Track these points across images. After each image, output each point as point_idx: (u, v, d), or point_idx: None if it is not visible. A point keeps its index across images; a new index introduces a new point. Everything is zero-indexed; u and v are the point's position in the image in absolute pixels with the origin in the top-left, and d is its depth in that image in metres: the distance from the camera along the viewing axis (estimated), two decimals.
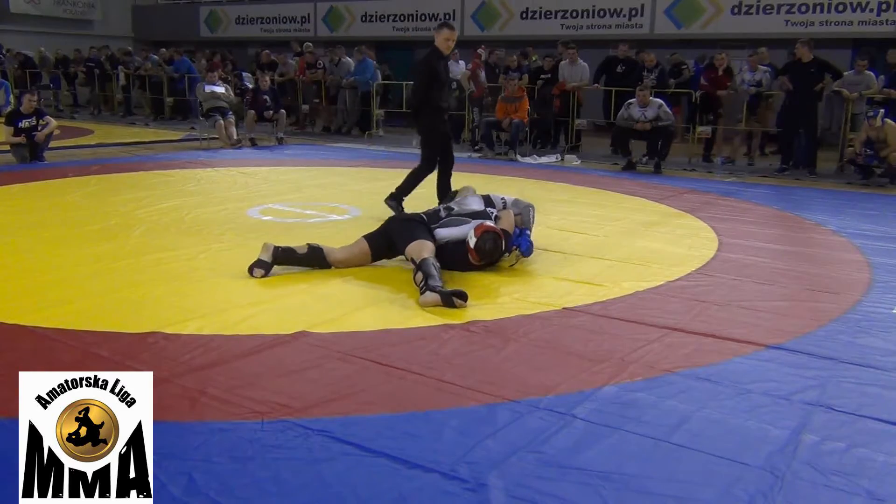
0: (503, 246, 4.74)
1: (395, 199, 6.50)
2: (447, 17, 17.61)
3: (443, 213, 4.98)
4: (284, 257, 4.65)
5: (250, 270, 4.54)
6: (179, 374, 3.09)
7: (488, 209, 5.05)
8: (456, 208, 5.02)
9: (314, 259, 4.71)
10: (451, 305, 4.04)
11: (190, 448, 2.51)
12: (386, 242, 4.78)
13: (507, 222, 4.92)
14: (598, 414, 2.84)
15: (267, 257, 4.59)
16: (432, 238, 4.69)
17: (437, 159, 6.59)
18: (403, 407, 2.87)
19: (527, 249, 4.91)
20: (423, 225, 4.81)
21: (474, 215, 4.92)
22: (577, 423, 2.77)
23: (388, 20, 18.55)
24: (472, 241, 4.62)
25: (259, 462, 2.43)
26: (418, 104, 6.58)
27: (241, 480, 2.33)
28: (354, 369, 3.20)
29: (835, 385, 3.18)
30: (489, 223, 4.77)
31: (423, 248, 4.49)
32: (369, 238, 4.83)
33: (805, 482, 2.41)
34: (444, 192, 6.51)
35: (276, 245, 4.66)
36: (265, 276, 4.54)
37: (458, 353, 3.43)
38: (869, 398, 3.06)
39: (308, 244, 4.75)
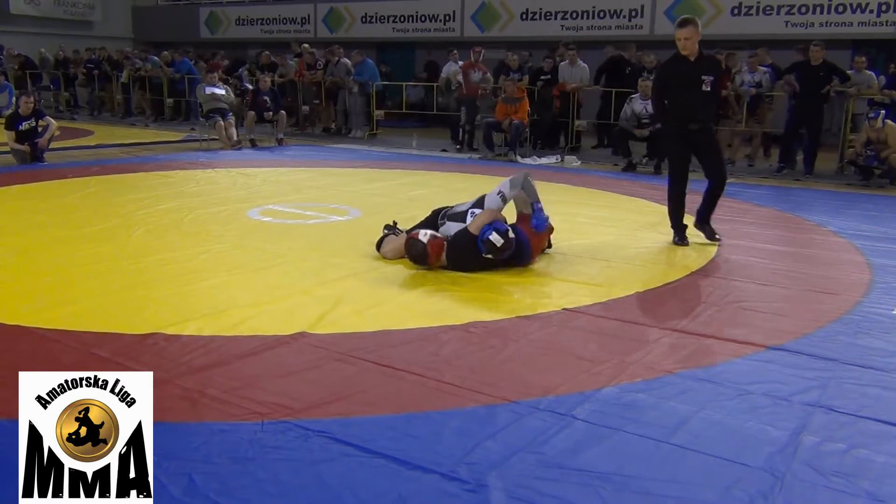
0: (426, 251, 4.72)
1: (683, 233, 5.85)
2: (447, 17, 17.63)
3: (440, 214, 5.15)
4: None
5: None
6: (179, 374, 3.09)
7: (473, 210, 4.98)
8: (452, 208, 5.14)
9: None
10: None
11: (190, 449, 2.51)
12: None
13: (476, 223, 4.79)
14: (598, 415, 2.84)
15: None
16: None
17: (675, 175, 5.89)
18: (403, 408, 2.87)
19: (539, 224, 4.98)
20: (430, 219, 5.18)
21: (454, 216, 5.04)
22: (578, 424, 2.77)
23: (388, 21, 18.55)
24: None
25: (259, 463, 2.43)
26: (657, 114, 6.30)
27: (240, 481, 2.33)
28: (354, 370, 3.20)
29: (835, 386, 3.17)
30: (425, 230, 4.87)
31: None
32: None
33: (805, 483, 2.41)
34: (703, 214, 5.90)
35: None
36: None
37: (458, 354, 3.43)
38: (869, 399, 3.06)
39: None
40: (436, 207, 5.36)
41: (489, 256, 4.68)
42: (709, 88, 5.56)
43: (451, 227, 4.94)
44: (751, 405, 2.97)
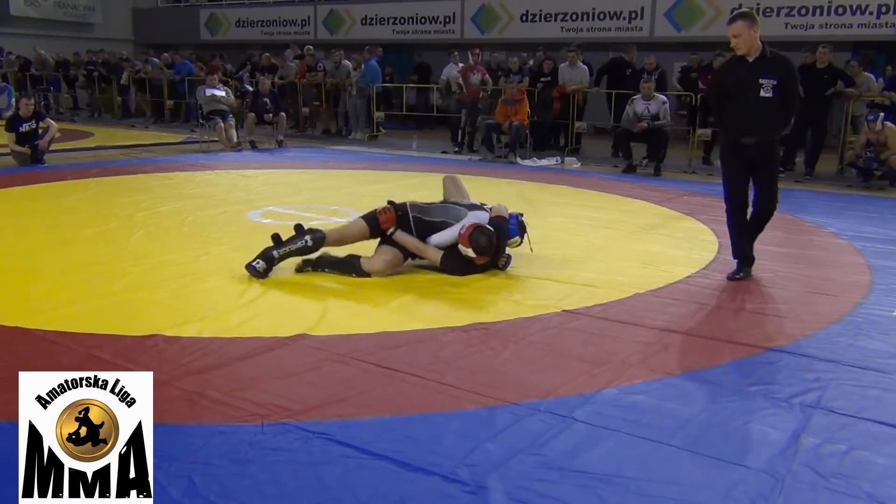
0: (496, 237, 4.65)
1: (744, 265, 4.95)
2: (447, 19, 17.63)
3: (437, 207, 4.89)
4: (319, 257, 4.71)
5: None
6: (179, 376, 3.09)
7: (482, 204, 4.99)
8: (453, 201, 4.99)
9: (350, 266, 4.66)
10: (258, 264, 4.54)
11: (189, 451, 2.50)
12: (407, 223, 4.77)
13: (502, 210, 4.88)
14: (598, 416, 2.84)
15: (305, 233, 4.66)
16: (392, 241, 4.68)
17: (729, 197, 4.92)
18: (403, 409, 2.87)
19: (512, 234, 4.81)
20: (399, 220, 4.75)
21: (470, 207, 4.88)
22: (578, 425, 2.76)
23: (388, 23, 18.56)
24: (467, 251, 4.59)
25: (259, 465, 2.43)
26: (715, 124, 5.29)
27: (240, 483, 2.33)
28: (354, 372, 3.19)
29: (835, 387, 3.17)
30: (474, 222, 4.67)
31: (378, 256, 4.66)
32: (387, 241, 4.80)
33: (805, 485, 2.40)
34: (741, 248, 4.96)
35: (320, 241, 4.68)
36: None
37: (458, 355, 3.43)
38: (869, 401, 3.06)
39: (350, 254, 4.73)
40: (402, 202, 5.01)
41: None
42: (769, 94, 4.64)
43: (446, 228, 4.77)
44: (751, 407, 2.97)
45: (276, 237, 4.64)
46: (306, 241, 4.61)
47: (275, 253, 4.58)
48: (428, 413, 2.85)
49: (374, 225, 4.75)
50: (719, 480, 2.42)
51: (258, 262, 4.57)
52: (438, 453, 2.53)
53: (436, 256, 4.71)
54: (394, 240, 4.70)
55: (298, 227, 4.70)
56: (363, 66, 13.85)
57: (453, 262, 4.69)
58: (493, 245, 4.63)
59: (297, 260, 4.70)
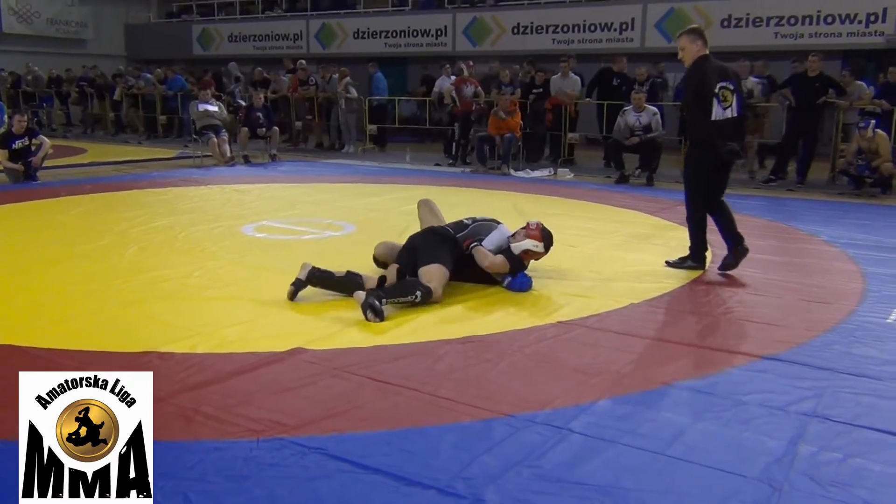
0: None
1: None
2: (439, 32, 17.71)
3: (467, 220, 4.93)
4: (321, 279, 4.46)
5: (290, 295, 4.41)
6: (174, 393, 3.07)
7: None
8: (478, 216, 5.04)
9: (352, 284, 4.43)
10: (365, 313, 4.06)
11: (185, 467, 2.49)
12: (413, 257, 4.61)
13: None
14: (594, 427, 2.84)
15: (302, 276, 4.44)
16: (453, 259, 4.60)
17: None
18: (399, 423, 2.86)
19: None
20: (448, 242, 4.69)
21: (494, 220, 5.02)
22: (574, 436, 2.76)
23: (380, 36, 18.64)
24: (539, 247, 4.76)
25: (254, 481, 2.42)
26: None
27: (236, 499, 2.32)
28: (350, 386, 3.19)
29: (830, 395, 3.18)
30: (531, 222, 4.89)
31: (434, 276, 4.40)
32: (398, 258, 4.70)
33: (802, 493, 2.40)
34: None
35: (314, 266, 4.48)
36: (295, 295, 4.39)
37: (454, 368, 3.42)
38: (865, 408, 3.06)
39: (348, 270, 4.52)
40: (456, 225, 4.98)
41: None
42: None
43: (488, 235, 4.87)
44: (746, 415, 2.97)
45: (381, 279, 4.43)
46: (416, 296, 4.29)
47: (383, 301, 4.16)
48: (424, 426, 2.84)
49: (408, 266, 4.60)
50: (716, 490, 2.41)
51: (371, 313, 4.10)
52: (435, 467, 2.52)
53: (502, 262, 4.70)
54: (472, 251, 4.69)
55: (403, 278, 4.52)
56: (348, 79, 13.87)
57: (513, 261, 4.74)
58: (552, 242, 4.87)
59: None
